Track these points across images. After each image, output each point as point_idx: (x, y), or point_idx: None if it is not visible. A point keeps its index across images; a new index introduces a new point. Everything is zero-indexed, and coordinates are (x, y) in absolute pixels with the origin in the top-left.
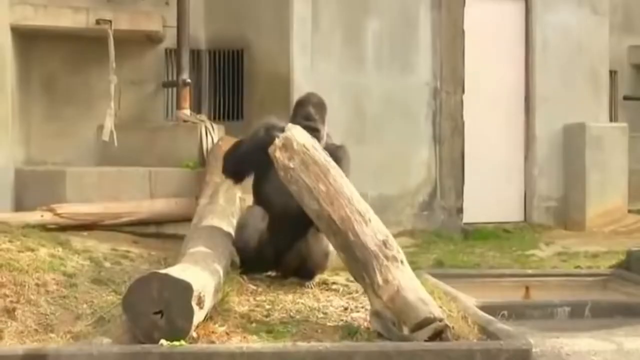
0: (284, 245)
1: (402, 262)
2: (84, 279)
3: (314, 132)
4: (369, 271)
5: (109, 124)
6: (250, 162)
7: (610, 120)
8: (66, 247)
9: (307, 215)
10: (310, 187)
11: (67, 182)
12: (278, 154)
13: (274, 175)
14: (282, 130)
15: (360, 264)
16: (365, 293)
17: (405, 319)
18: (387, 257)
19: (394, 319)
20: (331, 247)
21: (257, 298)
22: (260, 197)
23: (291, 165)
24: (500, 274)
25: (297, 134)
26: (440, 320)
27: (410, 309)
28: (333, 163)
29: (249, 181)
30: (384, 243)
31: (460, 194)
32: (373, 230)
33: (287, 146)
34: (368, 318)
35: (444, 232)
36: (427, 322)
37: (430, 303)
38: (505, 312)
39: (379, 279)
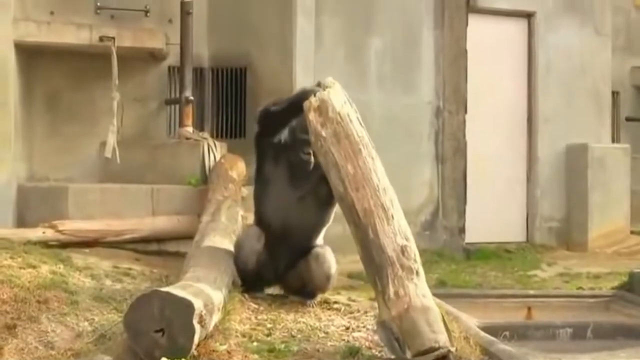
0: (284, 264)
1: (417, 273)
2: (85, 296)
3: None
4: (382, 278)
5: (111, 140)
6: (284, 117)
7: (613, 141)
8: (68, 264)
9: (308, 233)
10: (339, 165)
11: (70, 198)
12: (312, 116)
13: (274, 190)
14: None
15: (375, 267)
16: (375, 299)
17: (410, 343)
18: (402, 267)
19: (398, 335)
20: (333, 270)
21: (259, 317)
22: (259, 215)
23: (323, 133)
24: (502, 295)
25: (334, 97)
26: (445, 347)
27: (416, 333)
28: (366, 139)
29: (251, 194)
30: (403, 250)
31: (462, 214)
32: (394, 231)
33: (321, 110)
34: (370, 337)
35: (446, 252)
36: (431, 350)
37: (437, 329)
38: (507, 333)
39: (391, 291)
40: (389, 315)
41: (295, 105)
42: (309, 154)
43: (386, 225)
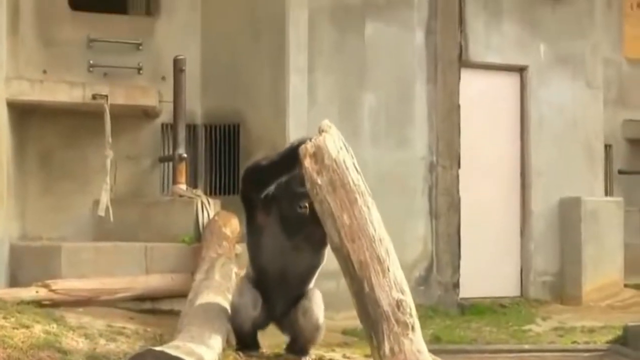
0: (280, 311)
1: (412, 328)
2: (78, 356)
3: (308, 198)
4: (378, 334)
5: (104, 198)
6: (274, 171)
7: (606, 194)
8: (61, 323)
9: (303, 278)
10: (335, 215)
11: (63, 257)
12: (307, 162)
13: (268, 240)
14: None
15: (371, 322)
16: (371, 355)
17: None
18: (398, 322)
19: None
20: (322, 319)
21: None
22: (254, 266)
23: (319, 181)
24: (497, 350)
25: (330, 143)
26: None
27: None
28: (362, 187)
29: (245, 251)
30: (398, 305)
31: (456, 269)
32: (389, 284)
33: (317, 157)
34: None
35: (441, 308)
36: None
37: None
38: None
39: (386, 347)
40: None
41: (288, 158)
42: (306, 207)
43: (382, 278)
